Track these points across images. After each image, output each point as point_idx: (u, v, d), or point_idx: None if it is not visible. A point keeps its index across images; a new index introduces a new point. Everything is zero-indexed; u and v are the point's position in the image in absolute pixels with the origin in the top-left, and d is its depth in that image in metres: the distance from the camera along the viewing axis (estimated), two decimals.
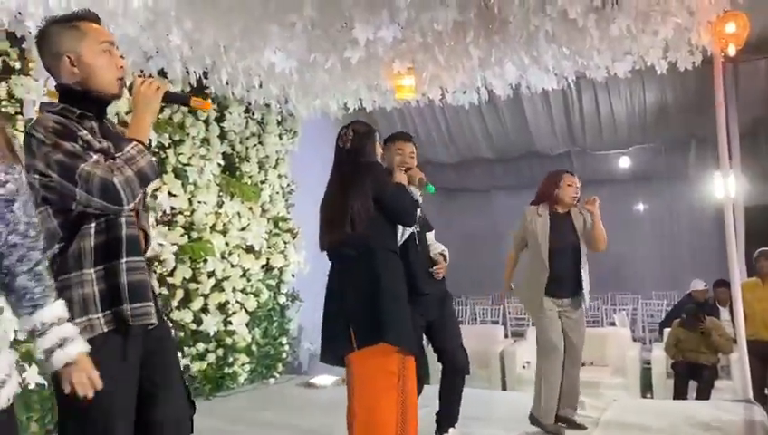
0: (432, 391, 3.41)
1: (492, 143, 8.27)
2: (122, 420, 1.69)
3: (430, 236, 3.42)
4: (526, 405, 3.76)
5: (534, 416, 3.65)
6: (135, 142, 1.74)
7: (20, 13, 3.13)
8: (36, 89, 3.61)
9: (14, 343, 3.43)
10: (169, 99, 1.90)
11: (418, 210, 2.79)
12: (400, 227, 2.80)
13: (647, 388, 5.88)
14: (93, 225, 1.73)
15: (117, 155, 1.72)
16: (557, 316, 3.63)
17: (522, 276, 3.86)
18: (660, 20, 3.42)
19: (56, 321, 1.47)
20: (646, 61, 4.04)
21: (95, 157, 1.69)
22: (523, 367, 6.11)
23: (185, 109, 4.69)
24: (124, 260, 1.72)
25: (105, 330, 1.67)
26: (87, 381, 1.49)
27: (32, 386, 3.47)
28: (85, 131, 1.74)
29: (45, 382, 3.54)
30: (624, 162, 9.02)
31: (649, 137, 8.11)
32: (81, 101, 1.77)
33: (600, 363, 6.05)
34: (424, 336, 3.35)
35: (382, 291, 2.56)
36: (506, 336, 7.32)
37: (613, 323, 8.09)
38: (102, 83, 1.77)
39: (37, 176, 1.64)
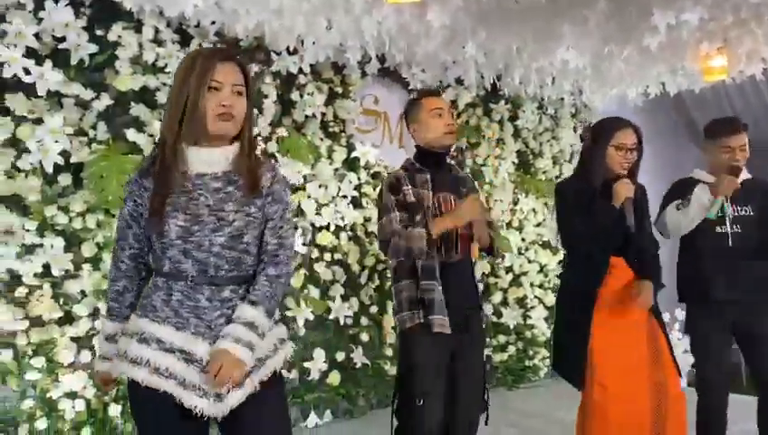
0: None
1: None
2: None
3: None
4: None
5: None
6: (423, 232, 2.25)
7: (341, 44, 3.64)
8: (354, 109, 4.16)
9: (336, 327, 4.02)
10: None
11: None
12: None
13: None
14: None
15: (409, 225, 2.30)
16: None
17: None
18: None
19: (235, 318, 1.62)
20: None
21: (396, 214, 2.33)
22: None
23: (480, 112, 4.91)
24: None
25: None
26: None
27: (358, 365, 4.04)
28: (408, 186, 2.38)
29: (369, 363, 4.08)
30: None
31: None
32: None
33: None
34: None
35: None
36: None
37: None
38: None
39: None
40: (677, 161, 7.00)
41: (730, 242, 2.80)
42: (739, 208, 2.83)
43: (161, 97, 3.29)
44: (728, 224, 2.80)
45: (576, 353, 2.50)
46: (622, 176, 2.50)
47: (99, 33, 3.15)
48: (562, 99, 5.26)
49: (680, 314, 5.15)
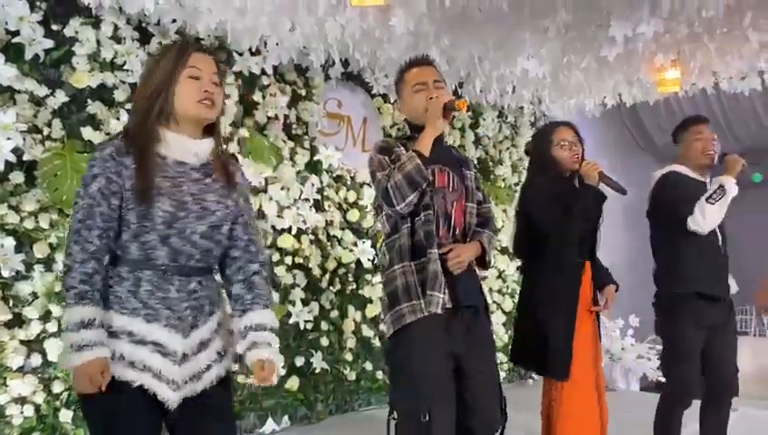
0: None
1: None
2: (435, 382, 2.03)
3: None
4: None
5: None
6: (412, 153, 2.04)
7: (304, 47, 3.63)
8: (317, 112, 4.15)
9: (296, 331, 3.98)
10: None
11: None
12: None
13: None
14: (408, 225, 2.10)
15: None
16: None
17: None
18: None
19: (253, 326, 1.70)
20: None
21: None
22: None
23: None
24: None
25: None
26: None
27: (318, 370, 4.01)
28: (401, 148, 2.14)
29: (329, 368, 4.06)
30: None
31: None
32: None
33: None
34: None
35: None
36: None
37: None
38: None
39: None
40: (629, 170, 7.22)
41: (720, 240, 2.88)
42: None
43: (119, 95, 3.22)
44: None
45: (563, 348, 2.53)
46: (576, 170, 2.62)
47: (55, 28, 3.07)
48: (522, 108, 5.36)
49: (633, 320, 5.31)
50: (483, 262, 2.24)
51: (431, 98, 2.14)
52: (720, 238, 2.90)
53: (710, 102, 6.63)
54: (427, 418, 1.95)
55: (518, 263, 2.92)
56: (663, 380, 5.21)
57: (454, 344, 2.08)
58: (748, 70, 4.00)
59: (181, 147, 1.59)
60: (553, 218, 2.55)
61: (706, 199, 2.78)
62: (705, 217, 2.78)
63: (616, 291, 2.72)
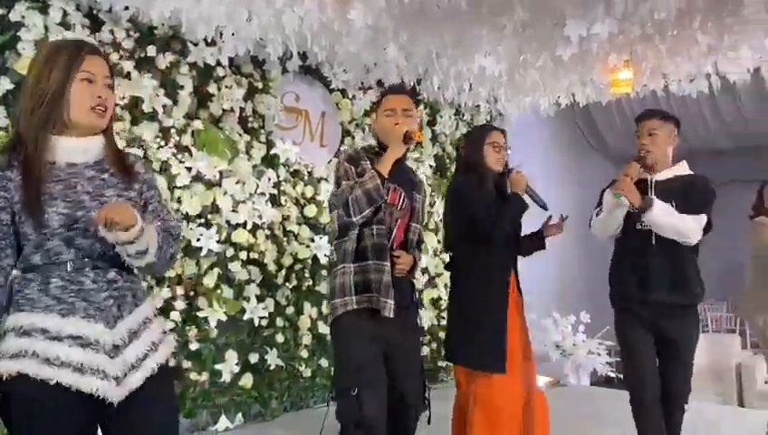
0: None
1: (728, 133, 7.44)
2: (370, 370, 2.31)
3: None
4: (761, 425, 3.37)
5: None
6: (373, 172, 2.29)
7: (261, 39, 3.57)
8: (274, 105, 4.10)
9: (250, 328, 3.93)
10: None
11: None
12: None
13: None
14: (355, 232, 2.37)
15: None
16: None
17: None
18: None
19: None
20: None
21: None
22: (766, 383, 5.45)
23: None
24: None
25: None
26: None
27: (272, 367, 3.96)
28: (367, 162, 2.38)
29: (284, 364, 4.02)
30: None
31: None
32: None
33: None
34: None
35: None
36: (744, 347, 6.57)
37: None
38: None
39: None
40: (582, 169, 7.39)
41: (654, 240, 2.70)
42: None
43: None
44: None
45: (501, 344, 2.60)
46: (499, 172, 2.76)
47: (0, 12, 2.95)
48: (478, 106, 5.41)
49: (584, 316, 5.42)
50: (412, 272, 2.57)
51: (396, 124, 2.44)
52: (654, 240, 2.71)
53: (660, 104, 6.79)
54: (355, 392, 2.28)
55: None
56: (612, 374, 5.40)
57: (385, 334, 2.38)
58: (696, 73, 4.12)
59: (68, 149, 1.55)
60: (483, 217, 2.64)
61: (596, 212, 2.87)
62: (594, 230, 2.89)
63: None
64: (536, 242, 2.86)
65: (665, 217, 2.64)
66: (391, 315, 2.33)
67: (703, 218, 2.70)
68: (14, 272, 1.55)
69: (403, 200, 2.48)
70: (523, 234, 2.88)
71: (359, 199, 2.29)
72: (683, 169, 2.84)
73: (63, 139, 1.55)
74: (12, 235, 1.51)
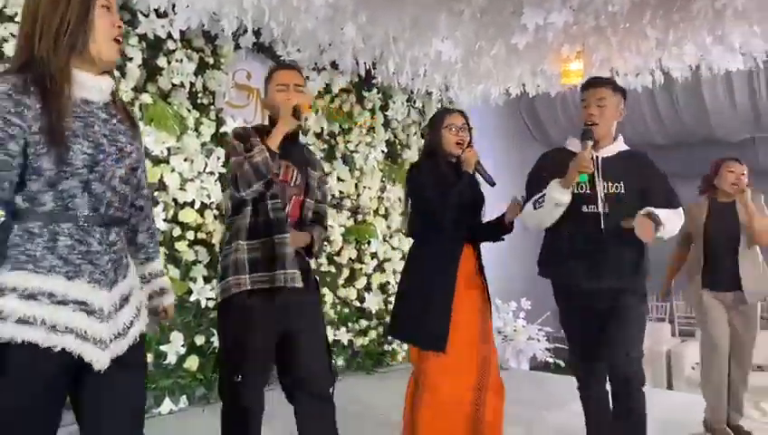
0: None
1: (665, 129, 7.73)
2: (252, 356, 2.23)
3: None
4: (689, 406, 3.54)
5: (708, 421, 3.42)
6: (262, 146, 2.21)
7: (215, 13, 3.47)
8: (225, 82, 4.00)
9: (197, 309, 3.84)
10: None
11: None
12: None
13: None
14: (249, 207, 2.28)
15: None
16: (722, 312, 3.35)
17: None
18: None
19: (156, 273, 1.71)
20: None
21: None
22: (692, 368, 5.72)
23: (353, 99, 4.93)
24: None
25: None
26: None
27: (218, 350, 3.87)
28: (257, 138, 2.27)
29: None
30: None
31: None
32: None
33: None
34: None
35: None
36: (674, 335, 6.89)
37: None
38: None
39: None
40: (525, 159, 7.54)
41: (603, 224, 2.47)
42: (609, 185, 2.51)
43: (8, 49, 2.94)
44: (599, 204, 2.49)
45: (442, 323, 2.58)
46: (458, 154, 2.72)
47: None
48: (431, 93, 5.43)
49: (525, 303, 5.56)
50: (309, 251, 2.46)
51: (288, 99, 2.37)
52: (603, 224, 2.49)
53: None
54: (239, 378, 2.23)
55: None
56: (550, 360, 5.55)
57: (281, 317, 2.29)
58: (643, 67, 4.25)
59: (86, 85, 1.43)
60: (432, 198, 2.65)
61: (533, 203, 2.61)
62: (528, 223, 2.66)
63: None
64: (501, 228, 2.78)
65: (670, 224, 2.46)
66: (300, 285, 2.27)
67: (681, 211, 2.58)
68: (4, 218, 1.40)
69: (296, 177, 2.41)
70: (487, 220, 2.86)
71: (247, 173, 2.20)
72: (622, 144, 2.65)
73: (82, 74, 1.43)
74: (16, 168, 1.35)
